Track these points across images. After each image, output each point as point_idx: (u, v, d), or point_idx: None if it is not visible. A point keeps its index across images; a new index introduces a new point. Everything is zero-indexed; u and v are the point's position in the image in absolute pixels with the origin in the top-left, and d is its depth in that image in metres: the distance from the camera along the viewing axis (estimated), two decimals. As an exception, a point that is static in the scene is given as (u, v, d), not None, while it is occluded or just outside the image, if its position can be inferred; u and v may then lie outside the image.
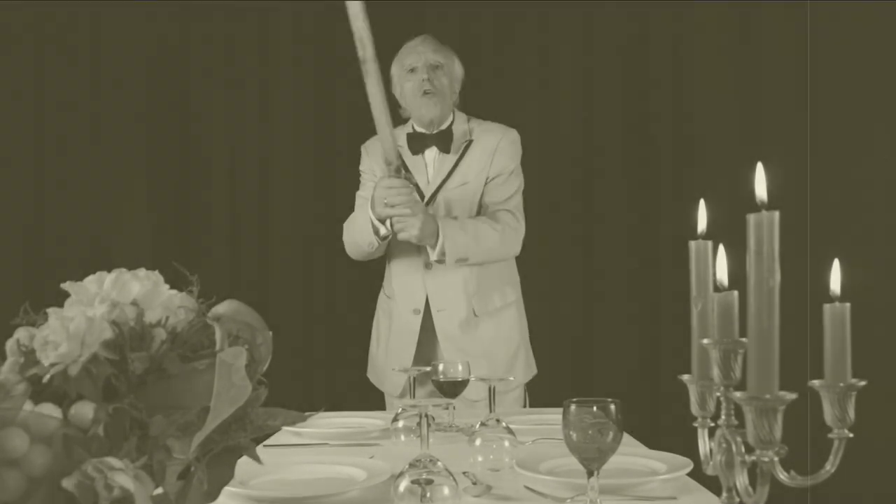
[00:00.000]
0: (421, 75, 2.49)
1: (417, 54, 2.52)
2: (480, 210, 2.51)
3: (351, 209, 2.59)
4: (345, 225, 2.56)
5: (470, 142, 2.51)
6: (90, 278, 0.86)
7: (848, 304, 0.88)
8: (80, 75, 3.63)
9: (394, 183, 2.27)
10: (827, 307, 0.88)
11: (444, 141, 2.51)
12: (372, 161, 2.55)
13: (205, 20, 3.67)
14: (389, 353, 2.55)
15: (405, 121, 2.60)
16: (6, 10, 3.51)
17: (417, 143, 2.52)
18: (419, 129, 2.54)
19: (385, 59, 2.77)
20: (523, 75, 3.66)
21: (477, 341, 2.47)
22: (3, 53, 3.58)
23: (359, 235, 2.45)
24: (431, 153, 2.52)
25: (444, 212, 2.47)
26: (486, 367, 2.33)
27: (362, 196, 2.55)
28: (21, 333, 0.81)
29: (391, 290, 2.58)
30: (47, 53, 3.61)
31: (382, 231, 2.36)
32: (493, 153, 2.50)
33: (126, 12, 3.59)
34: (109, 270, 0.86)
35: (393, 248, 2.53)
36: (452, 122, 2.54)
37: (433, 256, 2.38)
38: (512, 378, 2.37)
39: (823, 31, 3.50)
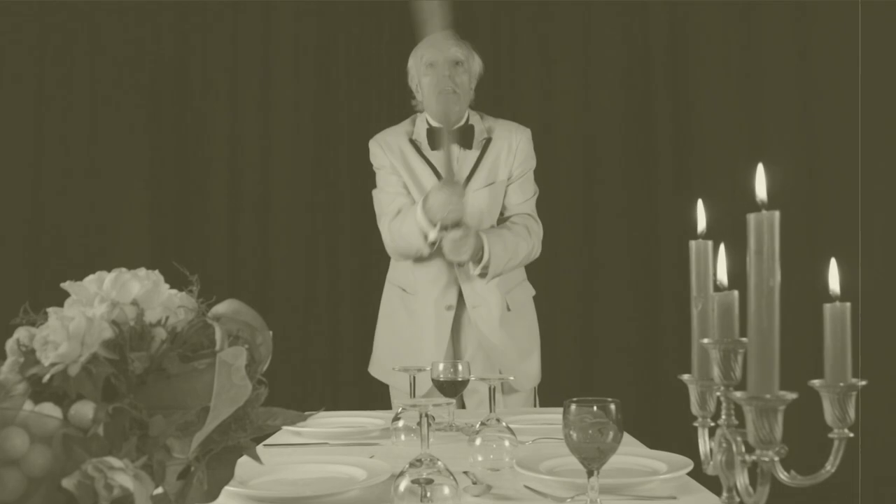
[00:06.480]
0: (442, 71, 2.44)
1: (438, 50, 2.45)
2: (501, 211, 2.51)
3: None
4: (385, 226, 2.49)
5: (489, 139, 2.50)
6: (90, 278, 0.86)
7: (848, 304, 0.88)
8: (81, 75, 3.63)
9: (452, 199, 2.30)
10: (827, 307, 0.88)
11: (464, 137, 2.48)
12: (390, 156, 2.51)
13: (205, 19, 3.67)
14: (415, 348, 2.47)
15: (415, 112, 2.58)
16: (7, 11, 3.51)
17: (437, 139, 2.48)
18: (435, 124, 2.50)
19: (388, 55, 2.78)
20: (523, 73, 3.66)
21: (511, 338, 2.48)
22: (3, 54, 3.58)
23: (405, 242, 2.41)
24: (453, 149, 2.46)
25: (475, 213, 2.44)
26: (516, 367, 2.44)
27: (388, 193, 2.50)
28: (21, 333, 0.81)
29: (413, 286, 2.51)
30: (48, 53, 3.61)
31: (431, 236, 2.33)
32: (516, 152, 2.50)
33: (127, 11, 3.60)
34: (109, 270, 0.86)
35: None
36: (469, 119, 2.52)
37: (475, 271, 2.39)
38: (512, 378, 2.36)
39: (823, 31, 3.50)
